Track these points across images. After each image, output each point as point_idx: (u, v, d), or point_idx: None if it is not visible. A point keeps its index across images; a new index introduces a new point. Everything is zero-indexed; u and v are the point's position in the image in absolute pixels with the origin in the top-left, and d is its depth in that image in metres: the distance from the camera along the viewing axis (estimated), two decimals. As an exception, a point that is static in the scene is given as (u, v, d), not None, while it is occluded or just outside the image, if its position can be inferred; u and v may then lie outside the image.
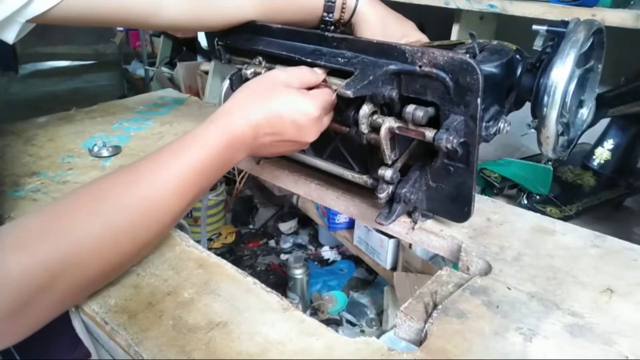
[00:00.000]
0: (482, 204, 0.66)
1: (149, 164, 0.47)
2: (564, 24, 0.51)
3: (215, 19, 0.63)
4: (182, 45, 2.90)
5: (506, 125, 0.54)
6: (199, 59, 2.71)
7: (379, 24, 0.66)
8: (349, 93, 0.48)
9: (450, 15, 1.15)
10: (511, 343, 0.44)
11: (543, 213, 0.76)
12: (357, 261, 1.73)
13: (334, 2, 0.64)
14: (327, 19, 0.65)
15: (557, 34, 0.51)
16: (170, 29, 0.66)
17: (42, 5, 0.52)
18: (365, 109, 0.53)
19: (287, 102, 0.50)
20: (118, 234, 0.44)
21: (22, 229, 0.41)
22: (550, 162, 0.94)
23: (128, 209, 0.44)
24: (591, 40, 0.51)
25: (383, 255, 1.44)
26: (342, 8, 0.65)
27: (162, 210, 0.46)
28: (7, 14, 0.50)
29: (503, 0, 0.98)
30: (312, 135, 0.53)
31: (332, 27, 0.67)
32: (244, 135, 0.49)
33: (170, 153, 0.47)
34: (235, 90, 0.52)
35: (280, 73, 0.53)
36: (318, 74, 0.54)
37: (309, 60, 0.56)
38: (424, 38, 0.67)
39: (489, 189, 0.94)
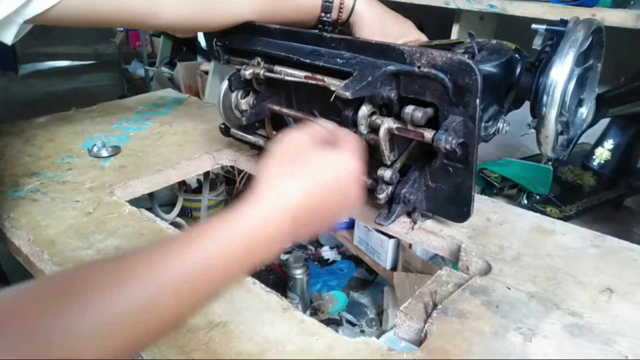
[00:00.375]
0: (481, 204, 0.66)
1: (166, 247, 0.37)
2: (563, 23, 0.51)
3: (213, 19, 0.63)
4: (182, 45, 2.90)
5: (505, 125, 0.54)
6: (199, 59, 2.71)
7: (377, 24, 0.66)
8: (348, 94, 0.48)
9: (450, 15, 1.15)
10: (511, 343, 0.44)
11: (543, 213, 0.76)
12: (357, 261, 1.73)
13: (331, 2, 0.64)
14: (325, 19, 0.65)
15: (557, 33, 0.51)
16: (169, 29, 0.65)
17: (41, 6, 0.52)
18: (364, 110, 0.53)
19: (323, 165, 0.41)
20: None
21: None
22: (550, 162, 0.94)
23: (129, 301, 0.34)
24: (590, 39, 0.51)
25: (383, 255, 1.44)
26: (340, 8, 0.65)
27: (162, 307, 0.36)
28: (4, 15, 0.50)
29: (503, 0, 0.98)
30: (357, 193, 0.43)
31: (330, 27, 0.67)
32: (282, 224, 0.39)
33: (187, 243, 0.37)
34: (261, 165, 0.42)
35: (299, 134, 0.43)
36: (329, 126, 0.47)
37: (307, 60, 0.56)
38: (422, 37, 0.67)
39: (488, 189, 0.94)
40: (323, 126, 0.46)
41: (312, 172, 0.40)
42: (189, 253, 0.36)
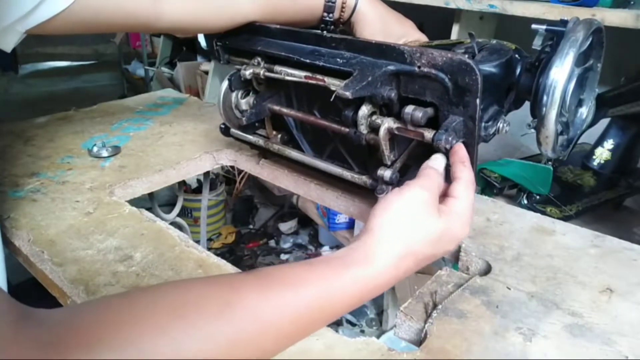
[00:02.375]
0: (482, 204, 0.66)
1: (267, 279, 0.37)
2: (563, 23, 0.51)
3: (216, 21, 0.63)
4: (182, 45, 2.90)
5: (505, 125, 0.54)
6: (199, 59, 2.71)
7: (379, 23, 0.66)
8: (348, 94, 0.48)
9: (450, 15, 1.15)
10: (511, 343, 0.44)
11: (543, 213, 0.76)
12: (357, 261, 1.72)
13: (334, 3, 0.64)
14: (327, 19, 0.65)
15: (557, 33, 0.51)
16: (173, 32, 0.65)
17: (44, 15, 0.51)
18: (364, 110, 0.53)
19: (433, 236, 0.42)
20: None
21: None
22: (550, 162, 0.94)
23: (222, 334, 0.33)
24: (590, 39, 0.51)
25: (383, 255, 1.44)
26: (342, 7, 0.65)
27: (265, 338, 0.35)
28: (6, 24, 0.49)
29: (503, 0, 0.98)
30: (453, 247, 0.45)
31: (332, 27, 0.67)
32: (385, 281, 0.40)
33: (293, 285, 0.37)
34: (379, 211, 0.42)
35: (423, 193, 0.43)
36: (442, 177, 0.47)
37: (307, 60, 0.56)
38: (423, 37, 0.67)
39: (489, 189, 0.94)
40: (439, 175, 0.46)
41: (422, 242, 0.41)
42: (295, 297, 0.35)
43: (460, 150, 0.47)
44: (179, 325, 0.31)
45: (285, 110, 0.65)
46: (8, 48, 0.53)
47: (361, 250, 0.39)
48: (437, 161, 0.48)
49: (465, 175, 0.46)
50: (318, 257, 0.41)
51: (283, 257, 1.89)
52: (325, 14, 0.65)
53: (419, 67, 0.49)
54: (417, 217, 0.41)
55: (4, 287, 0.51)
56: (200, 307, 0.32)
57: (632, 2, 0.89)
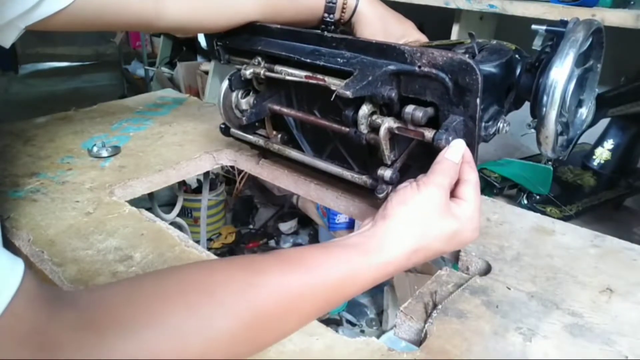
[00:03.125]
0: (482, 204, 0.66)
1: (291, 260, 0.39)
2: (563, 23, 0.51)
3: (217, 20, 0.63)
4: (182, 45, 2.90)
5: (505, 125, 0.54)
6: (199, 59, 2.71)
7: (379, 24, 0.66)
8: (348, 93, 0.48)
9: (450, 15, 1.15)
10: (511, 343, 0.44)
11: (543, 213, 0.76)
12: (357, 261, 1.72)
13: (334, 3, 0.64)
14: (327, 19, 0.65)
15: (556, 34, 0.51)
16: (174, 31, 0.65)
17: (45, 11, 0.51)
18: (365, 109, 0.53)
19: (445, 236, 0.44)
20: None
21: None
22: (550, 162, 0.94)
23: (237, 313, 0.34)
24: (590, 39, 0.51)
25: (383, 255, 1.44)
26: (343, 8, 0.65)
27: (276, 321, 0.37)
28: (7, 20, 0.49)
29: (503, 0, 0.98)
30: (459, 245, 0.47)
31: (332, 27, 0.67)
32: (395, 270, 0.43)
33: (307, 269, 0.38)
34: (392, 205, 0.44)
35: (439, 192, 0.44)
36: (458, 168, 0.47)
37: (308, 60, 0.56)
38: (423, 38, 0.67)
39: (489, 189, 0.94)
40: (455, 168, 0.46)
41: (435, 240, 0.43)
42: (313, 279, 0.38)
43: (465, 152, 0.47)
44: (207, 303, 0.33)
45: (285, 110, 0.65)
46: (7, 44, 0.53)
47: (376, 239, 0.42)
48: (454, 150, 0.47)
49: (472, 177, 0.47)
50: (332, 241, 0.43)
51: (283, 257, 1.88)
52: (326, 15, 0.65)
53: (420, 66, 0.49)
54: (432, 216, 0.43)
55: None
56: (226, 287, 0.34)
57: (632, 2, 0.89)
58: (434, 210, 0.43)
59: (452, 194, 0.46)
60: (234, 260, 0.39)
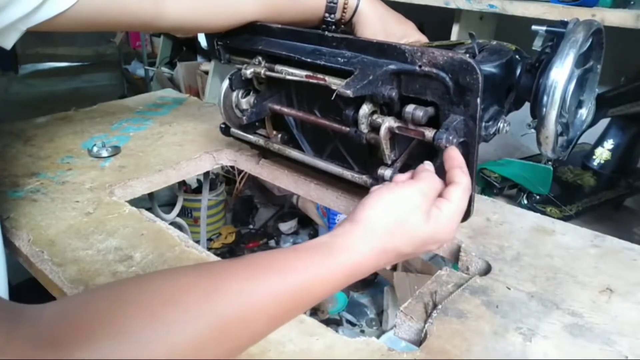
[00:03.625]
0: (482, 204, 0.66)
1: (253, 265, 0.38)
2: (563, 24, 0.51)
3: (217, 20, 0.63)
4: (182, 45, 2.90)
5: (506, 125, 0.54)
6: (199, 59, 2.71)
7: (380, 24, 0.66)
8: (349, 93, 0.48)
9: (450, 15, 1.15)
10: (511, 343, 0.44)
11: (543, 213, 0.76)
12: (357, 261, 1.72)
13: (336, 3, 0.64)
14: (328, 19, 0.65)
15: (557, 34, 0.51)
16: (175, 31, 0.65)
17: (47, 13, 0.51)
18: (365, 109, 0.53)
19: (420, 237, 0.43)
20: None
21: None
22: (550, 162, 0.94)
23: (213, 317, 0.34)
24: (590, 40, 0.51)
25: (383, 255, 1.44)
26: (344, 8, 0.65)
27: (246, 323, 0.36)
28: (9, 22, 0.49)
29: (503, 0, 0.98)
30: (439, 242, 0.45)
31: (333, 27, 0.67)
32: (365, 270, 0.42)
33: (277, 269, 0.38)
34: (368, 203, 0.43)
35: (415, 194, 0.43)
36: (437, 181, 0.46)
37: (308, 60, 0.56)
38: (423, 38, 0.67)
39: (489, 189, 0.94)
40: (434, 179, 0.46)
41: (406, 242, 0.42)
42: (281, 283, 0.37)
43: (457, 156, 0.47)
44: (171, 311, 0.32)
45: (285, 109, 0.65)
46: (8, 45, 0.53)
47: (346, 238, 0.41)
48: (445, 159, 0.47)
49: (464, 181, 0.45)
50: (303, 243, 0.42)
51: (283, 257, 1.88)
52: (326, 15, 0.65)
53: (420, 66, 0.49)
54: (405, 218, 0.42)
55: (5, 287, 0.51)
56: (190, 293, 0.33)
57: (632, 2, 0.89)
58: (408, 211, 0.42)
59: (440, 194, 0.45)
60: (202, 266, 0.38)
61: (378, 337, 1.17)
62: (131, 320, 0.30)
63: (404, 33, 0.67)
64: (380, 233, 0.41)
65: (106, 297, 0.33)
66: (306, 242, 0.42)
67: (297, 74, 0.58)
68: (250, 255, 0.39)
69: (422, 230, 0.42)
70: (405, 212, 0.42)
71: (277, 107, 0.66)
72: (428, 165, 0.48)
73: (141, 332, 0.30)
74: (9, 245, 0.59)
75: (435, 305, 0.48)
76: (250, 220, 2.09)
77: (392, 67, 0.50)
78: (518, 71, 0.55)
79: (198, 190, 1.86)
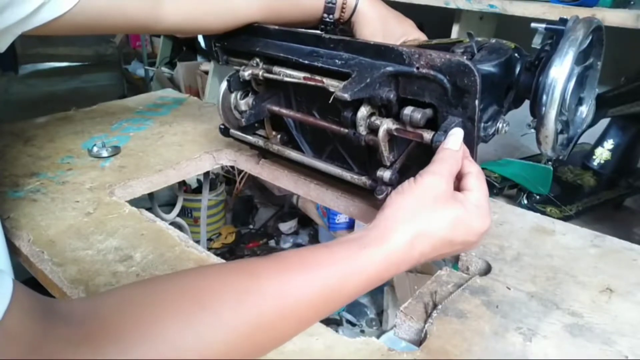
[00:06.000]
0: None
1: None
2: (563, 22, 0.51)
3: (216, 23, 0.62)
4: (182, 45, 2.90)
5: (505, 125, 0.54)
6: (199, 59, 2.71)
7: (379, 23, 0.66)
8: (347, 96, 0.48)
9: (450, 15, 1.15)
10: (511, 343, 0.44)
11: (543, 213, 0.76)
12: (358, 261, 1.72)
13: (334, 4, 0.64)
14: (327, 19, 0.65)
15: (556, 32, 0.51)
16: (172, 33, 0.65)
17: (45, 17, 0.51)
18: (363, 111, 0.53)
19: (451, 222, 0.42)
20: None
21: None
22: (550, 162, 0.94)
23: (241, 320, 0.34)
24: (590, 37, 0.50)
25: (383, 255, 1.44)
26: (342, 8, 0.65)
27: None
28: (5, 26, 0.49)
29: (503, 0, 0.97)
30: (476, 240, 0.45)
31: (332, 27, 0.67)
32: (400, 260, 0.40)
33: (308, 268, 0.38)
34: (394, 200, 0.43)
35: (440, 181, 0.43)
36: (459, 155, 0.46)
37: (306, 61, 0.56)
38: (422, 37, 0.67)
39: (489, 189, 0.94)
40: (454, 155, 0.45)
41: (437, 224, 0.41)
42: (313, 281, 0.36)
43: (463, 147, 0.47)
44: (202, 316, 0.32)
45: (284, 111, 0.65)
46: (2, 49, 0.53)
47: (376, 230, 0.40)
48: (452, 139, 0.46)
49: (474, 169, 0.46)
50: (336, 239, 0.42)
51: (283, 257, 1.88)
52: (325, 15, 0.65)
53: (418, 68, 0.49)
54: (431, 202, 0.42)
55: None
56: (221, 296, 0.33)
57: (632, 2, 0.89)
58: (432, 197, 0.42)
59: (456, 188, 0.45)
60: (229, 266, 0.38)
61: (378, 337, 1.17)
62: (164, 323, 0.31)
63: (403, 32, 0.67)
64: (408, 220, 0.41)
65: (139, 298, 0.33)
66: (339, 239, 0.42)
67: (295, 76, 0.58)
68: (280, 254, 0.39)
69: (450, 209, 0.42)
70: (429, 197, 0.42)
71: (275, 108, 0.66)
72: (446, 142, 0.47)
73: (174, 335, 0.31)
74: (9, 245, 0.59)
75: (435, 305, 0.48)
76: (250, 220, 2.09)
77: (389, 69, 0.50)
78: (517, 69, 0.54)
79: (198, 190, 1.86)
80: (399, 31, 0.66)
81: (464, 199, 0.43)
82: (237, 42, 0.65)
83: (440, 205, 0.42)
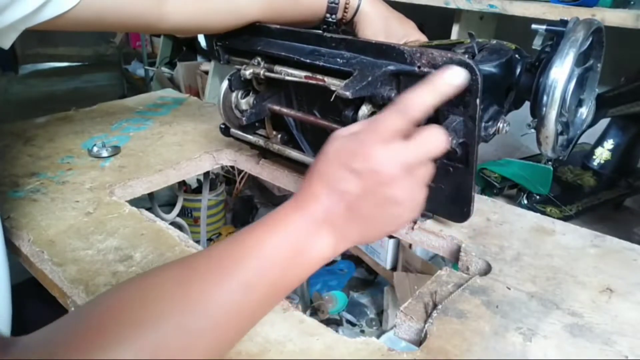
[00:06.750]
0: (481, 204, 0.66)
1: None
2: (563, 23, 0.51)
3: (219, 22, 0.62)
4: (182, 45, 2.90)
5: (505, 125, 0.54)
6: (199, 59, 2.71)
7: (381, 23, 0.66)
8: (348, 94, 0.48)
9: (450, 15, 1.15)
10: (511, 343, 0.44)
11: (543, 213, 0.76)
12: (357, 261, 1.73)
13: (337, 3, 0.64)
14: (329, 19, 0.65)
15: (557, 33, 0.51)
16: (175, 33, 0.65)
17: (48, 14, 0.51)
18: (365, 110, 0.53)
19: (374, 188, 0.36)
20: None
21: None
22: (550, 162, 0.94)
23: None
24: (590, 39, 0.51)
25: (383, 255, 1.44)
26: (345, 8, 0.65)
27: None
28: (9, 22, 0.49)
29: (503, 0, 0.98)
30: (408, 215, 0.39)
31: (334, 27, 0.67)
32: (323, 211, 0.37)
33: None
34: (315, 163, 0.39)
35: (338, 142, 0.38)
36: (406, 115, 0.38)
37: (307, 60, 0.56)
38: (423, 38, 0.67)
39: (489, 189, 0.94)
40: (400, 113, 0.38)
41: (364, 189, 0.36)
42: (223, 291, 0.34)
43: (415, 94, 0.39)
44: (140, 334, 0.31)
45: (285, 110, 0.65)
46: (6, 45, 0.53)
47: (301, 191, 0.38)
48: (417, 95, 0.39)
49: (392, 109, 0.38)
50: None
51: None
52: (327, 15, 0.65)
53: (419, 67, 0.49)
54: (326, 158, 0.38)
55: (6, 288, 0.51)
56: (160, 308, 0.32)
57: (632, 2, 0.89)
58: (357, 148, 0.37)
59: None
60: (168, 271, 0.36)
61: (378, 337, 1.17)
62: (102, 341, 0.30)
63: (405, 33, 0.67)
64: (312, 189, 0.37)
65: (78, 320, 0.33)
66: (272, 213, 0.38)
67: (296, 75, 0.58)
68: (187, 260, 0.36)
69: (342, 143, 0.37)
70: (347, 154, 0.37)
71: (276, 107, 0.66)
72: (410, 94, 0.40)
73: (112, 352, 0.30)
74: (9, 245, 0.59)
75: (435, 305, 0.48)
76: (250, 220, 2.09)
77: (391, 67, 0.50)
78: (518, 70, 0.54)
79: (198, 190, 1.86)
80: (400, 32, 0.66)
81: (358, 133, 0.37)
82: (238, 41, 0.65)
83: (361, 161, 0.36)
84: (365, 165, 0.36)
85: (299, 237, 0.36)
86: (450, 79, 0.41)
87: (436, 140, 0.38)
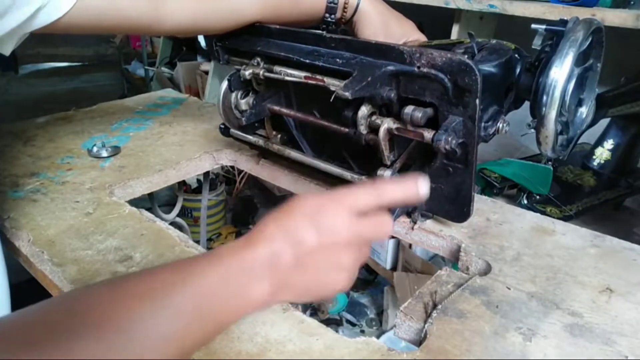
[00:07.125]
0: (481, 204, 0.66)
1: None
2: (563, 23, 0.51)
3: (218, 23, 0.62)
4: (182, 45, 2.90)
5: (505, 125, 0.54)
6: (199, 59, 2.71)
7: (380, 23, 0.66)
8: (348, 94, 0.48)
9: (450, 15, 1.15)
10: (511, 343, 0.44)
11: (543, 213, 0.76)
12: (357, 261, 1.72)
13: (336, 4, 0.64)
14: (328, 19, 0.65)
15: (556, 33, 0.51)
16: (176, 34, 0.65)
17: (46, 19, 0.51)
18: (364, 110, 0.53)
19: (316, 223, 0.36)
20: None
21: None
22: (550, 162, 0.94)
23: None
24: (590, 39, 0.51)
25: (383, 255, 1.44)
26: (344, 7, 0.65)
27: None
28: (9, 29, 0.49)
29: (503, 0, 0.98)
30: (341, 282, 0.38)
31: (333, 27, 0.67)
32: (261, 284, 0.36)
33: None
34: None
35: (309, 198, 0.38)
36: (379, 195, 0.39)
37: (307, 61, 0.56)
38: (422, 38, 0.67)
39: (489, 189, 0.94)
40: (372, 191, 0.39)
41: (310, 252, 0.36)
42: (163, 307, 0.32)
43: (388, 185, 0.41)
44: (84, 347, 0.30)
45: (284, 110, 0.65)
46: (7, 52, 0.53)
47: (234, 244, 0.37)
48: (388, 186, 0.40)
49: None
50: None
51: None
52: (327, 15, 0.65)
53: (419, 67, 0.49)
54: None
55: (5, 287, 0.51)
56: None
57: (632, 2, 0.89)
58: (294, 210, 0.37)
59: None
60: (97, 289, 0.34)
61: (378, 337, 1.17)
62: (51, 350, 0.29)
63: (404, 33, 0.67)
64: (264, 235, 0.36)
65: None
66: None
67: (295, 75, 0.58)
68: (143, 274, 0.35)
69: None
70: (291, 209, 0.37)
71: (276, 107, 0.66)
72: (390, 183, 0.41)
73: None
74: (9, 245, 0.59)
75: (435, 305, 0.48)
76: (250, 220, 2.09)
77: (390, 68, 0.50)
78: (517, 70, 0.55)
79: (198, 190, 1.86)
80: (399, 32, 0.66)
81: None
82: (238, 41, 0.65)
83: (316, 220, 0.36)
84: (328, 222, 0.36)
85: (238, 276, 0.35)
86: (421, 189, 0.40)
87: (386, 227, 0.40)
